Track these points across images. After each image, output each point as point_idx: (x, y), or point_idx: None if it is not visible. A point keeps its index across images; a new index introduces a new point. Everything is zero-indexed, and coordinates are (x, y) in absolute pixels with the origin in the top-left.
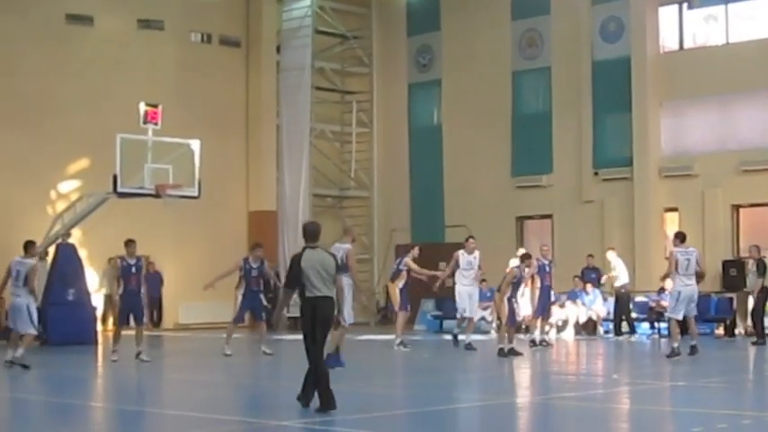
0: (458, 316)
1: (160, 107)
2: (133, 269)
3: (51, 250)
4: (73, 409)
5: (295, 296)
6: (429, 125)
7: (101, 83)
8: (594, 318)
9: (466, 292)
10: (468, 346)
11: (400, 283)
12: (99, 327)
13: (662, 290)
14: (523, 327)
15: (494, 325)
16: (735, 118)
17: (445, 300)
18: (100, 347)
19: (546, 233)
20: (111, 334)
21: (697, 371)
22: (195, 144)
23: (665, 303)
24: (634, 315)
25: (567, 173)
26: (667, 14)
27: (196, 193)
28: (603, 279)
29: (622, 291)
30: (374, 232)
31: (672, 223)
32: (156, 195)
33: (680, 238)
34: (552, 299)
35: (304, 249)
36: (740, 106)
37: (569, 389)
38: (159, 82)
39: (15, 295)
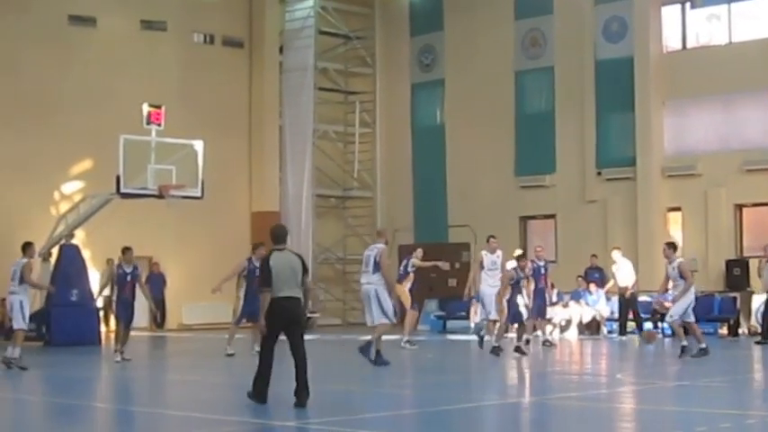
0: (483, 318)
1: (163, 108)
2: (128, 277)
3: (55, 251)
4: (76, 410)
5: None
6: (432, 125)
7: (104, 84)
8: (598, 318)
9: (492, 293)
10: (495, 350)
11: (408, 284)
12: (102, 327)
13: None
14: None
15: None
16: (738, 117)
17: (449, 300)
18: (103, 348)
19: (549, 233)
20: (113, 335)
21: (700, 370)
22: (198, 145)
23: (667, 304)
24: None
25: (570, 173)
26: (670, 14)
27: (199, 194)
28: (608, 286)
29: (628, 290)
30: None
31: (675, 223)
32: (160, 196)
33: (673, 247)
34: (554, 299)
35: (272, 251)
36: (743, 106)
37: (573, 389)
38: (162, 83)
39: (11, 293)
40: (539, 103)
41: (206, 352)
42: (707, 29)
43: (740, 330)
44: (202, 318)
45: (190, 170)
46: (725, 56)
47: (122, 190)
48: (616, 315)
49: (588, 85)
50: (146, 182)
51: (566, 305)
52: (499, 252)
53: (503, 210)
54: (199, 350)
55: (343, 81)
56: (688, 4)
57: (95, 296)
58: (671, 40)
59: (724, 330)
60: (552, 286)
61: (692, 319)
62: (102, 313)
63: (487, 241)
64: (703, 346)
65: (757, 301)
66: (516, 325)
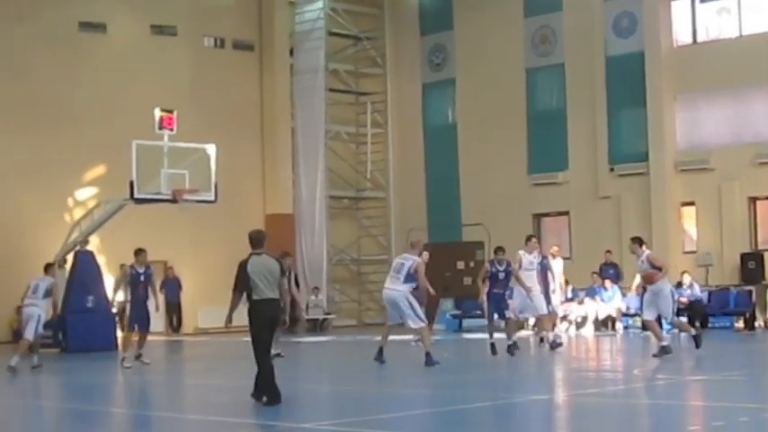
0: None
1: (175, 112)
2: (141, 277)
3: (70, 258)
4: (93, 416)
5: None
6: (444, 124)
7: (115, 89)
8: (614, 314)
9: (651, 292)
10: (512, 347)
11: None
12: (119, 333)
13: (680, 284)
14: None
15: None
16: (750, 110)
17: (464, 299)
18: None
19: (563, 230)
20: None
21: (717, 364)
22: (211, 148)
23: (683, 299)
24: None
25: (582, 169)
26: (680, 8)
27: (213, 198)
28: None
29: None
30: (391, 232)
31: (689, 217)
32: (173, 201)
33: (639, 242)
34: (569, 296)
35: (250, 255)
36: (755, 99)
37: (590, 385)
38: (173, 87)
39: (32, 305)
40: (550, 100)
41: (222, 356)
42: (717, 22)
43: (756, 323)
44: (218, 321)
45: (203, 174)
46: (735, 49)
47: (136, 195)
48: (632, 311)
49: (599, 81)
50: (159, 187)
51: (581, 302)
52: (537, 252)
53: (516, 207)
54: (215, 354)
55: (354, 82)
56: None
57: (111, 301)
58: (681, 35)
59: (740, 324)
60: (567, 283)
61: (652, 317)
62: (118, 318)
63: (528, 241)
64: (664, 344)
65: None
66: (503, 321)
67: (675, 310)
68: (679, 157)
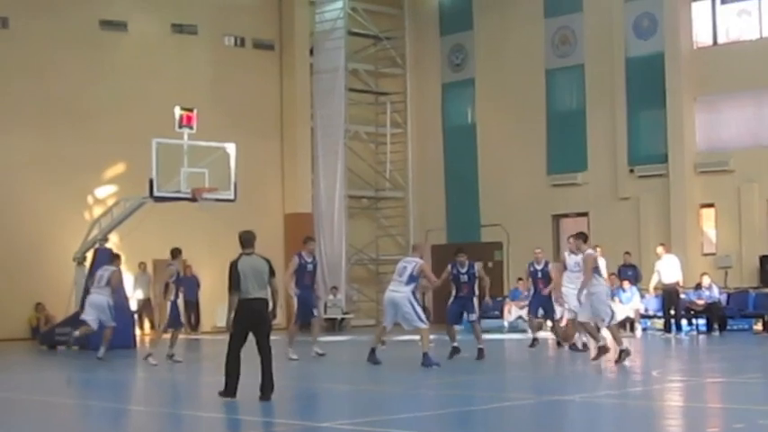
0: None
1: (195, 111)
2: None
3: (89, 255)
4: (112, 413)
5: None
6: (463, 124)
7: (135, 88)
8: (632, 315)
9: (573, 295)
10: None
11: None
12: (137, 331)
13: (699, 286)
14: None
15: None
16: None
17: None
18: (138, 351)
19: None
20: (154, 338)
21: (736, 367)
22: (231, 147)
23: (700, 302)
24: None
25: (602, 170)
26: (700, 9)
27: (232, 197)
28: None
29: (671, 287)
30: (410, 233)
31: (708, 219)
32: (193, 199)
33: (584, 238)
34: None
35: (240, 255)
36: None
37: (608, 386)
38: (194, 86)
39: (98, 294)
40: (569, 100)
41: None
42: (737, 24)
43: None
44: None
45: (222, 173)
46: (756, 51)
47: (155, 193)
48: (650, 312)
49: (619, 83)
50: (179, 185)
51: None
52: (603, 260)
53: (535, 208)
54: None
55: (374, 82)
56: (718, 0)
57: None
58: (701, 36)
59: (759, 326)
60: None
61: (587, 319)
62: (137, 317)
63: (569, 240)
64: (602, 343)
65: None
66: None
67: (612, 315)
68: (698, 158)
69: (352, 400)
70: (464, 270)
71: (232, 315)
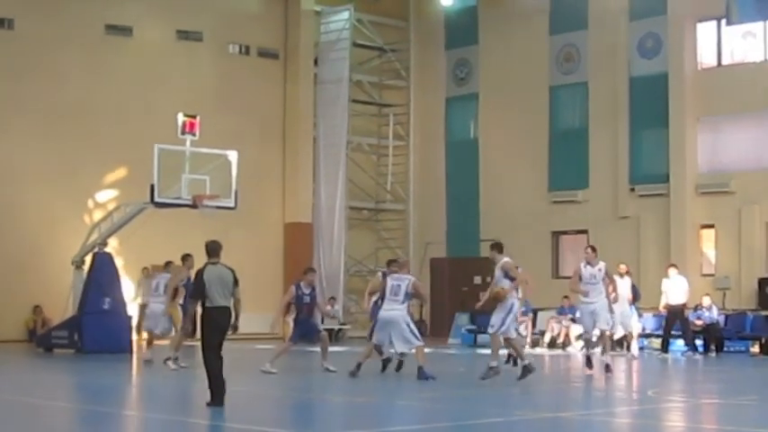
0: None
1: (198, 118)
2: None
3: (88, 259)
4: (103, 417)
5: None
6: (466, 139)
7: (139, 93)
8: (628, 334)
9: (588, 309)
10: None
11: None
12: (134, 336)
13: (698, 307)
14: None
15: (528, 340)
16: None
17: (480, 314)
18: (134, 356)
19: (581, 249)
20: (173, 342)
21: (732, 389)
22: (232, 155)
23: (699, 322)
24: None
25: (603, 188)
26: (705, 30)
27: (233, 204)
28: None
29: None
30: (409, 245)
31: (708, 240)
32: (193, 206)
33: (498, 248)
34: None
35: (206, 265)
36: None
37: (603, 405)
38: (197, 93)
39: (158, 303)
40: (573, 118)
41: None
42: (742, 46)
43: None
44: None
45: (224, 180)
46: (760, 73)
47: (156, 199)
48: (647, 331)
49: (622, 101)
50: (180, 191)
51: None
52: (602, 264)
53: (535, 224)
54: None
55: (378, 93)
56: (723, 21)
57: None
58: (706, 57)
59: (756, 349)
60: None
61: (511, 334)
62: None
63: (585, 251)
64: (526, 362)
65: None
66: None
67: (500, 326)
68: (700, 179)
69: (346, 412)
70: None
71: (188, 321)
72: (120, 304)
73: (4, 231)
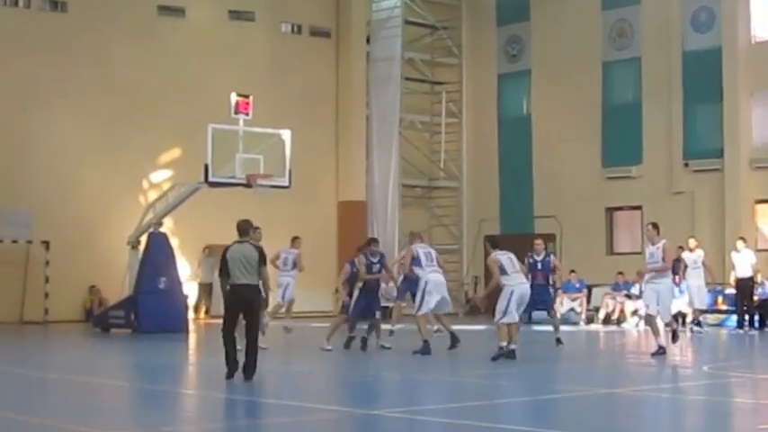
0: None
1: (251, 97)
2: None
3: (143, 239)
4: (161, 395)
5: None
6: (518, 115)
7: (192, 73)
8: (684, 310)
9: (651, 288)
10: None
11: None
12: (191, 315)
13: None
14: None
15: (583, 316)
16: None
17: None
18: (191, 336)
19: (636, 224)
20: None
21: None
22: (286, 134)
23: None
24: (725, 307)
25: (657, 164)
26: (759, 3)
27: (287, 183)
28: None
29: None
30: (463, 223)
31: (763, 215)
32: (248, 185)
33: (493, 244)
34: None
35: (233, 243)
36: None
37: (660, 380)
38: (250, 72)
39: (286, 277)
40: (626, 93)
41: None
42: None
43: None
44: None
45: (277, 159)
46: None
47: (210, 179)
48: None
49: (675, 76)
50: (234, 171)
51: None
52: (700, 251)
53: (589, 201)
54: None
55: (430, 71)
56: None
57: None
58: (759, 30)
59: None
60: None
61: (514, 318)
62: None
63: (646, 229)
64: (513, 346)
65: None
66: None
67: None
68: (754, 153)
69: (404, 389)
70: (375, 260)
71: (224, 293)
72: (175, 284)
73: (60, 212)
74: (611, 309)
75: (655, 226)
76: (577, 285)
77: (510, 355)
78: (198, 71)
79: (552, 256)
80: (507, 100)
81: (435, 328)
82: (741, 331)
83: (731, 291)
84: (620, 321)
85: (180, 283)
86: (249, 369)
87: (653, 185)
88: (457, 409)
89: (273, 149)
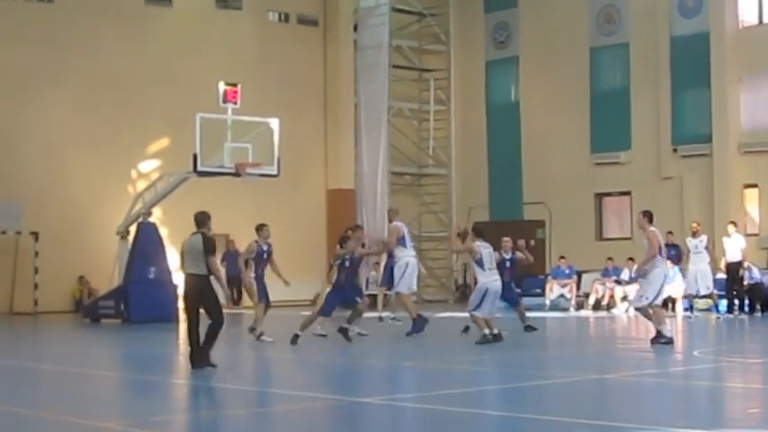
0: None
1: (239, 86)
2: (265, 254)
3: (132, 229)
4: (155, 386)
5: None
6: (507, 102)
7: (180, 63)
8: (674, 295)
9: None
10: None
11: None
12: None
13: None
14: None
15: (573, 302)
16: None
17: (524, 277)
18: (182, 325)
19: (624, 210)
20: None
21: None
22: (274, 123)
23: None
24: (716, 292)
25: (645, 149)
26: None
27: (275, 172)
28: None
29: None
30: (452, 210)
31: (752, 200)
32: (236, 174)
33: (477, 232)
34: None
35: (190, 235)
36: None
37: (649, 366)
38: (238, 61)
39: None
40: (614, 79)
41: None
42: None
43: None
44: (279, 295)
45: (266, 148)
46: None
47: (199, 168)
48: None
49: (663, 62)
50: (222, 160)
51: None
52: (703, 237)
53: (578, 187)
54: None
55: (418, 58)
56: None
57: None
58: (747, 15)
59: None
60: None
61: (485, 314)
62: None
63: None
64: (496, 331)
65: None
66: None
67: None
68: (743, 138)
69: (391, 376)
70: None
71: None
72: (165, 273)
73: (49, 203)
74: (600, 294)
75: (645, 214)
76: (567, 271)
77: (497, 338)
78: (185, 60)
79: (518, 254)
80: (495, 87)
81: (393, 315)
82: (731, 316)
83: (721, 276)
84: (609, 307)
85: (170, 273)
86: (198, 358)
87: (642, 171)
88: (446, 396)
89: (262, 138)
